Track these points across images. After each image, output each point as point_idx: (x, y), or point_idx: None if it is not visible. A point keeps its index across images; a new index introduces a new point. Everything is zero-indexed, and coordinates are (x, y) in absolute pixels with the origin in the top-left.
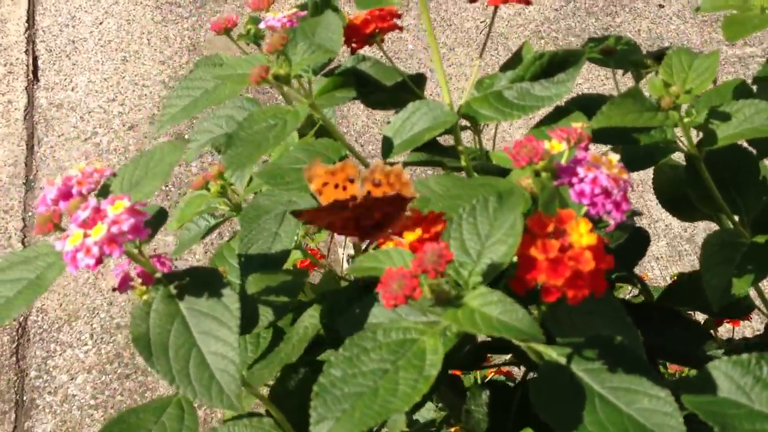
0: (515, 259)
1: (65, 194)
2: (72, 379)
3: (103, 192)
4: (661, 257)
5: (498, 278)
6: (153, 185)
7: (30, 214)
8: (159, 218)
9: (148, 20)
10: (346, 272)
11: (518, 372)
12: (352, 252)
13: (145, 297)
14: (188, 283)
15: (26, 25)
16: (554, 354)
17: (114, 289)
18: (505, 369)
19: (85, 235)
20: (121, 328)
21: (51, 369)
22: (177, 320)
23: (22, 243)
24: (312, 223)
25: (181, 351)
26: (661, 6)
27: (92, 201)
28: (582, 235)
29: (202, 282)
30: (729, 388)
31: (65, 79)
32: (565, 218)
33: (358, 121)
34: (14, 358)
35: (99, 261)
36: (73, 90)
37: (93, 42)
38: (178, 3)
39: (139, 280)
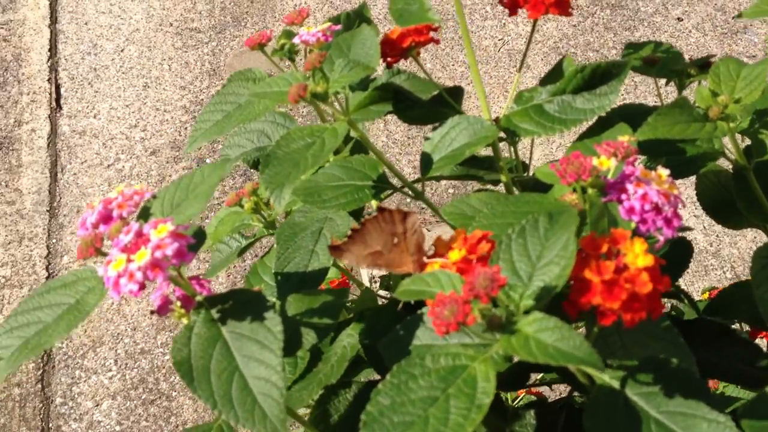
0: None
1: (106, 217)
2: (97, 406)
3: (144, 215)
4: (687, 272)
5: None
6: (195, 208)
7: (54, 241)
8: (198, 239)
9: (168, 46)
10: (394, 294)
11: (548, 393)
12: (377, 272)
13: (184, 320)
14: (230, 306)
15: (48, 53)
16: (606, 377)
17: (152, 312)
18: (535, 390)
19: (129, 260)
20: (145, 354)
21: (76, 395)
22: (219, 344)
23: (47, 270)
24: (342, 255)
25: (223, 375)
26: (680, 19)
27: (134, 225)
28: (638, 256)
29: (244, 305)
30: None
31: (87, 107)
32: (619, 238)
33: (378, 142)
34: (39, 385)
35: (142, 287)
36: (95, 117)
37: (115, 69)
38: (198, 29)
39: (179, 304)
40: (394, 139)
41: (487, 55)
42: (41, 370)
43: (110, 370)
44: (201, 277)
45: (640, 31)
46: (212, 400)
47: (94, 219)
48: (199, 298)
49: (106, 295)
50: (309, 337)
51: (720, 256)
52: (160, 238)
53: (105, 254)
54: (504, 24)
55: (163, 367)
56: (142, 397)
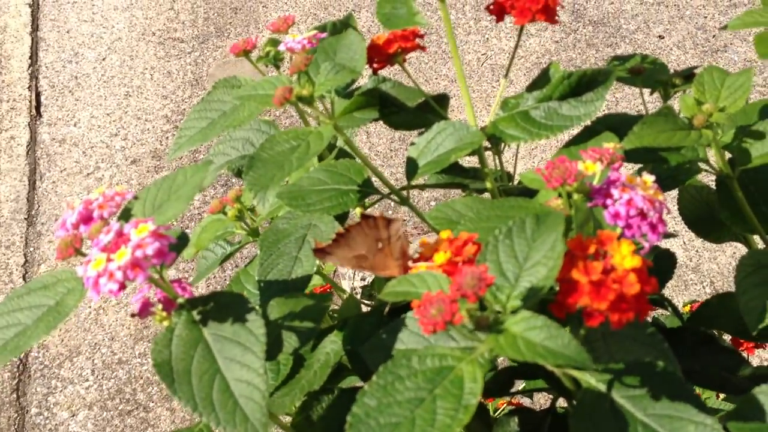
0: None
1: (86, 218)
2: (73, 416)
3: (125, 216)
4: (667, 286)
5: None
6: (176, 208)
7: (31, 249)
8: (180, 242)
9: (150, 56)
10: (380, 296)
11: (527, 402)
12: (358, 282)
13: (165, 323)
14: (212, 308)
15: (29, 61)
16: (593, 381)
17: (133, 315)
18: (516, 401)
19: (108, 260)
20: (123, 364)
21: (52, 406)
22: (200, 346)
23: (24, 279)
24: (327, 258)
25: (204, 377)
26: (661, 37)
27: (115, 225)
28: (625, 257)
29: (226, 307)
30: None
31: (68, 115)
32: (606, 240)
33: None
34: (15, 395)
35: (122, 286)
36: (75, 125)
37: (96, 78)
38: (181, 38)
39: (160, 306)
40: (376, 151)
41: (470, 70)
42: (17, 380)
43: (87, 380)
44: (183, 280)
45: (621, 48)
46: (192, 402)
47: (74, 219)
48: (180, 300)
49: (85, 295)
50: (291, 341)
51: (699, 271)
52: (140, 238)
53: (85, 255)
54: (487, 39)
55: (141, 378)
56: (119, 408)
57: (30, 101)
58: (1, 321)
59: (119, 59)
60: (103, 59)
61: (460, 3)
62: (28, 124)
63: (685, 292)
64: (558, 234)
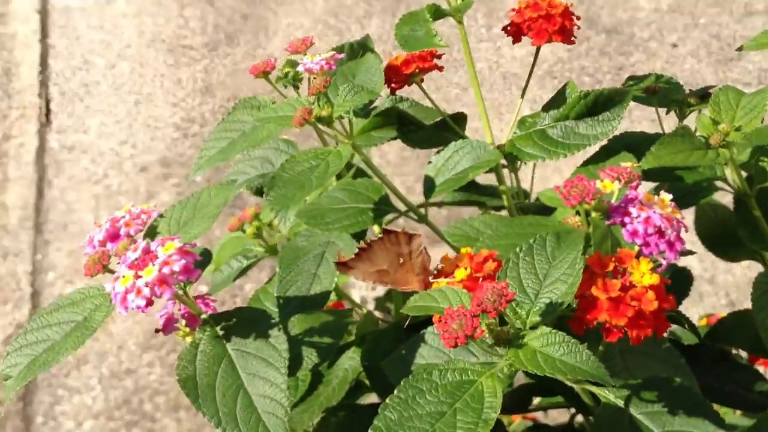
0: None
1: (113, 236)
2: (79, 426)
3: (151, 233)
4: None
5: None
6: (201, 227)
7: (39, 257)
8: (205, 259)
9: (160, 63)
10: (402, 310)
11: (541, 417)
12: (367, 293)
13: (188, 338)
14: (235, 324)
15: (39, 68)
16: (611, 396)
17: (158, 331)
18: (530, 416)
19: (136, 276)
20: (130, 373)
21: (58, 415)
22: (224, 361)
23: (32, 286)
24: (349, 272)
25: (228, 393)
26: (675, 45)
27: (142, 242)
28: (644, 275)
29: (250, 322)
30: None
31: (77, 122)
32: (625, 257)
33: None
34: (21, 404)
35: (150, 302)
36: (85, 132)
37: (106, 85)
38: (191, 46)
39: (184, 322)
40: (387, 160)
41: (481, 77)
42: (23, 389)
43: (93, 390)
44: (207, 296)
45: (635, 57)
46: (217, 417)
47: (101, 237)
48: (204, 315)
49: (113, 311)
50: (311, 357)
51: (715, 282)
52: (167, 255)
53: (112, 271)
54: (499, 47)
55: (148, 388)
56: (125, 419)
57: (40, 108)
58: (31, 337)
59: (129, 66)
60: (113, 66)
61: (472, 10)
62: (38, 132)
63: (700, 303)
64: (578, 252)
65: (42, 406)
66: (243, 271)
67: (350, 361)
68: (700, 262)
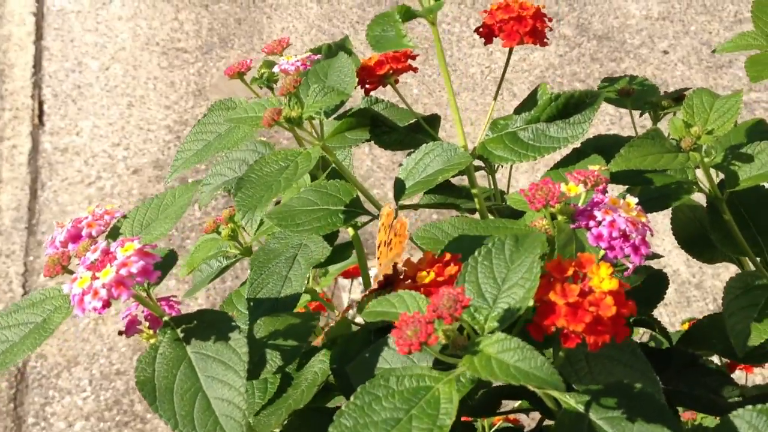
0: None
1: (75, 236)
2: (70, 427)
3: (113, 234)
4: (670, 303)
5: (513, 323)
6: (164, 227)
7: (31, 258)
8: (168, 261)
9: (154, 66)
10: (360, 315)
11: (527, 419)
12: (355, 296)
13: (152, 341)
14: (196, 326)
15: (33, 70)
16: (572, 402)
17: (120, 333)
18: (512, 417)
19: (93, 278)
20: (121, 374)
21: (49, 416)
22: (184, 364)
23: (23, 287)
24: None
25: (186, 396)
26: (665, 52)
27: (102, 243)
28: (603, 280)
29: (210, 325)
30: None
31: (70, 124)
32: (585, 262)
33: (363, 166)
34: (12, 405)
35: (107, 304)
36: (78, 134)
37: (99, 87)
38: (185, 49)
39: (146, 324)
40: (378, 164)
41: (473, 83)
42: (14, 389)
43: (84, 391)
44: (172, 298)
45: (626, 63)
46: (173, 420)
47: (63, 237)
48: (165, 318)
49: (71, 313)
50: (275, 360)
51: (702, 287)
52: (126, 256)
53: (72, 272)
54: (491, 52)
55: None
56: (116, 419)
57: (33, 110)
58: None
59: (123, 69)
60: (107, 69)
61: (465, 16)
62: (30, 133)
63: (687, 308)
64: (535, 255)
65: (33, 407)
66: (222, 271)
67: (320, 364)
68: (687, 267)
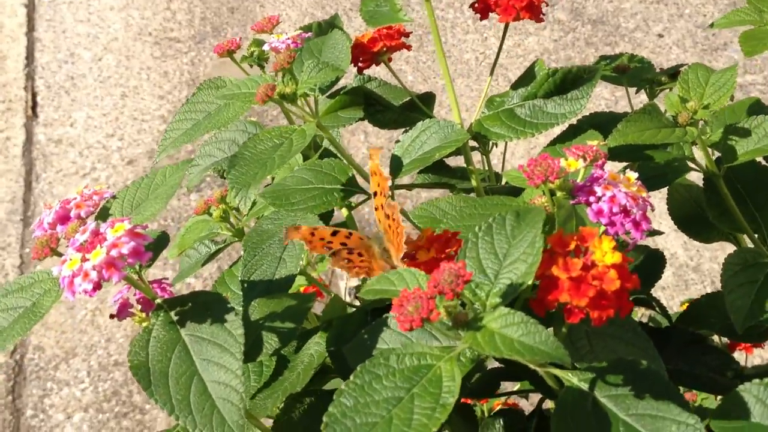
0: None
1: (63, 218)
2: (68, 418)
3: (103, 215)
4: (668, 286)
5: (513, 300)
6: (155, 207)
7: (27, 250)
8: (160, 243)
9: (147, 56)
10: (359, 294)
11: (525, 404)
12: (353, 283)
13: (144, 324)
14: (190, 309)
15: (25, 61)
16: (575, 380)
17: (112, 317)
18: (511, 401)
19: (84, 260)
20: (119, 365)
21: (47, 408)
22: (178, 347)
23: None
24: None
25: (182, 379)
26: (660, 36)
27: (91, 224)
28: (606, 254)
29: (205, 307)
30: (762, 413)
31: (64, 115)
32: (587, 236)
33: (359, 153)
34: (10, 397)
35: (98, 286)
36: (71, 126)
37: (92, 78)
38: (178, 38)
39: (139, 307)
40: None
41: (468, 69)
42: (12, 382)
43: (83, 382)
44: (164, 280)
45: (621, 47)
46: (170, 404)
47: (51, 219)
48: (158, 300)
49: (61, 296)
50: (271, 342)
51: (700, 270)
52: (116, 237)
53: (61, 255)
54: (486, 38)
55: None
56: (115, 410)
57: (26, 102)
58: None
59: (115, 59)
60: (99, 59)
61: (459, 2)
62: (24, 125)
63: (685, 291)
64: (537, 230)
65: (31, 399)
66: (212, 256)
67: (316, 347)
68: (685, 250)
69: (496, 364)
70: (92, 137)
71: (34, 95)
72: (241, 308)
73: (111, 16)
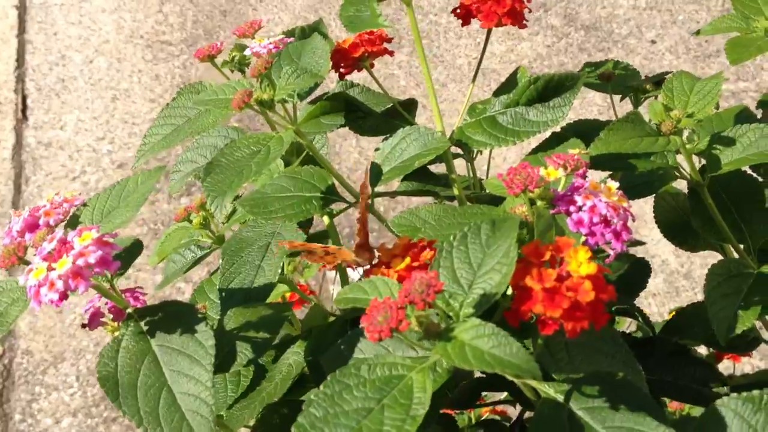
0: (510, 290)
1: (32, 225)
2: (57, 423)
3: (73, 223)
4: (658, 293)
5: (492, 310)
6: (126, 215)
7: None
8: (133, 251)
9: (138, 59)
10: (333, 303)
11: (514, 412)
12: (336, 289)
13: (116, 334)
14: (160, 319)
15: (16, 63)
16: (551, 391)
17: (84, 326)
18: (499, 408)
19: (50, 269)
20: None
21: (36, 412)
22: (148, 358)
23: None
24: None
25: (151, 391)
26: (653, 42)
27: (59, 232)
28: (581, 264)
29: (175, 317)
30: (739, 427)
31: (54, 118)
32: (562, 246)
33: (350, 158)
34: None
35: (64, 296)
36: (62, 129)
37: (83, 81)
38: (169, 41)
39: (110, 317)
40: (366, 156)
41: (461, 74)
42: (0, 386)
43: (71, 387)
44: (137, 289)
45: (614, 53)
46: (138, 417)
47: (19, 227)
48: (129, 309)
49: (29, 306)
50: (245, 353)
51: (691, 277)
52: (83, 246)
53: (28, 263)
54: (479, 43)
55: None
56: (104, 415)
57: (16, 104)
58: None
59: (106, 62)
60: (91, 62)
61: (452, 7)
62: (14, 128)
63: (676, 298)
64: (512, 240)
65: (20, 404)
66: (196, 262)
67: (295, 356)
68: (676, 257)
69: (478, 373)
70: (82, 140)
71: (24, 98)
72: (217, 318)
73: (102, 18)
